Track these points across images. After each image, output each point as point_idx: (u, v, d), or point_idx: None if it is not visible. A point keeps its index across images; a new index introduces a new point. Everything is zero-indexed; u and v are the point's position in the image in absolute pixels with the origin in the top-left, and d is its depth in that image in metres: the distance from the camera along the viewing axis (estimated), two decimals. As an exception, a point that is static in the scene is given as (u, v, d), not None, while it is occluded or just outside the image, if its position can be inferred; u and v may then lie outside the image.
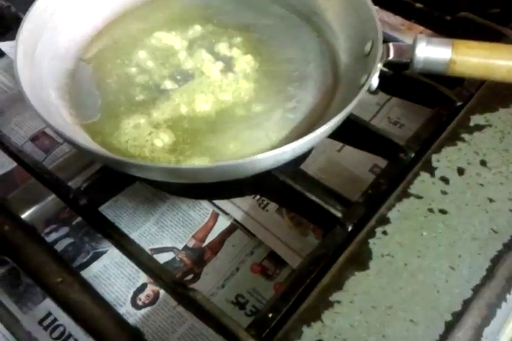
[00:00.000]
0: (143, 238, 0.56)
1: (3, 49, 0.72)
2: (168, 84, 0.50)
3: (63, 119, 0.48)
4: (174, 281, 0.39)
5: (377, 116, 0.67)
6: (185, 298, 0.38)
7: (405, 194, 0.42)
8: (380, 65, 0.44)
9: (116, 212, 0.58)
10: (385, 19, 0.77)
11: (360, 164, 0.62)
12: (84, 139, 0.46)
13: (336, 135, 0.44)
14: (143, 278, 0.53)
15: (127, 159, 0.41)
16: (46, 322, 0.50)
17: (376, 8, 0.53)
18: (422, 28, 0.75)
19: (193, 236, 0.57)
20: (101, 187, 0.45)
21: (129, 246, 0.42)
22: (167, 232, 0.57)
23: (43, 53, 0.50)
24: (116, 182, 0.47)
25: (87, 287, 0.42)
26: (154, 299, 0.52)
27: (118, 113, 0.49)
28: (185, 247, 0.56)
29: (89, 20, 0.55)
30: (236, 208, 0.58)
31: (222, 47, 0.54)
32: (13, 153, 0.49)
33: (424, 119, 0.49)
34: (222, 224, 0.58)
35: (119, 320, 0.40)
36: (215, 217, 0.58)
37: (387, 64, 0.46)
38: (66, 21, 0.53)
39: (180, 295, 0.39)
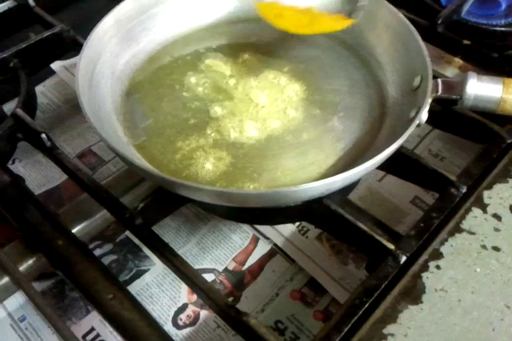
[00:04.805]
0: (184, 258, 0.56)
1: (53, 68, 0.75)
2: (218, 110, 0.52)
3: (119, 138, 0.49)
4: (226, 304, 0.40)
5: (418, 148, 0.67)
6: (237, 322, 0.38)
7: (458, 229, 0.42)
8: (429, 100, 0.45)
9: (159, 231, 0.58)
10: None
11: (400, 195, 0.62)
12: (137, 158, 0.48)
13: (382, 165, 0.45)
14: (184, 298, 0.54)
15: (182, 181, 0.41)
16: (89, 337, 0.50)
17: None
18: (461, 62, 0.76)
19: (233, 259, 0.57)
20: (155, 208, 0.46)
21: (180, 266, 0.43)
22: (208, 254, 0.57)
23: (101, 74, 0.52)
24: (169, 203, 0.48)
25: (136, 304, 0.43)
26: (195, 320, 0.52)
27: (169, 135, 0.50)
28: (226, 269, 0.56)
29: (144, 44, 0.58)
30: (276, 233, 0.58)
31: (271, 76, 0.55)
32: (68, 169, 0.50)
33: (474, 155, 0.49)
34: (263, 248, 0.58)
35: (169, 340, 0.41)
36: (255, 241, 0.58)
37: (435, 99, 0.47)
38: (122, 45, 0.55)
39: (232, 319, 0.39)
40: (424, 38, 0.66)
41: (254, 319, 0.38)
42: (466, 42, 0.63)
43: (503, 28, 0.65)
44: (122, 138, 0.50)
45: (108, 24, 0.53)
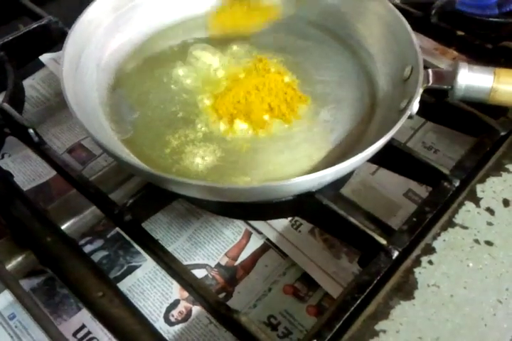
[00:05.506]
0: (176, 254, 0.56)
1: (42, 60, 0.74)
2: (207, 103, 0.51)
3: (106, 133, 0.48)
4: (217, 301, 0.39)
5: (412, 140, 0.67)
6: (228, 319, 0.38)
7: (450, 223, 0.41)
8: (420, 90, 0.45)
9: (151, 226, 0.58)
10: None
11: (394, 188, 0.62)
12: (125, 154, 0.47)
13: (374, 158, 0.44)
14: (176, 293, 0.53)
15: (171, 176, 0.41)
16: (80, 335, 0.50)
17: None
18: (455, 54, 0.75)
19: (225, 254, 0.57)
20: (145, 204, 0.45)
21: (171, 262, 0.42)
22: (200, 249, 0.57)
23: (86, 66, 0.51)
24: (159, 199, 0.47)
25: (126, 302, 0.42)
26: (187, 316, 0.52)
27: (157, 129, 0.49)
28: (218, 265, 0.56)
29: (130, 35, 0.57)
30: (269, 227, 0.58)
31: (259, 67, 0.54)
32: (56, 164, 0.50)
33: (468, 148, 0.49)
34: (255, 243, 0.57)
35: (159, 337, 0.40)
36: (247, 236, 0.58)
37: (427, 90, 0.46)
38: (108, 36, 0.54)
39: (223, 316, 0.38)
40: (418, 29, 0.66)
41: (244, 316, 0.37)
42: (460, 33, 0.63)
43: (496, 19, 0.64)
44: (109, 132, 0.49)
45: (93, 14, 0.52)
